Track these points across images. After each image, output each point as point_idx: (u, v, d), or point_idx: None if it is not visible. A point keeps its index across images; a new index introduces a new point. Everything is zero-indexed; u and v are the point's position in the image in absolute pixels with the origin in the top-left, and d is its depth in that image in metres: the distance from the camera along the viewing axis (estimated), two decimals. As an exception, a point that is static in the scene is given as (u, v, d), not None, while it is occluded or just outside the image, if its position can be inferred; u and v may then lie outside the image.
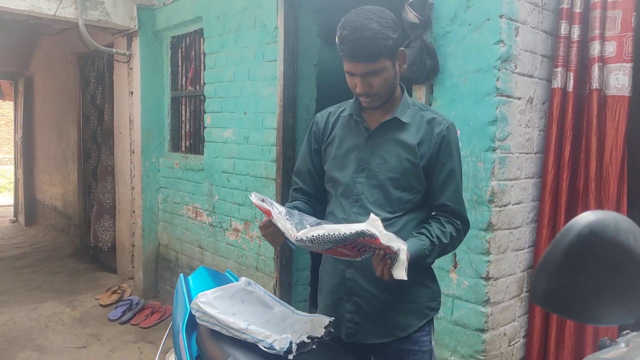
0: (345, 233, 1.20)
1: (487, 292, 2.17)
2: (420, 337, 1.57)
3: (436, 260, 2.27)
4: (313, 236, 1.23)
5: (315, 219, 1.42)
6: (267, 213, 1.36)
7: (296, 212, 1.44)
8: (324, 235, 1.22)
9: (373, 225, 1.20)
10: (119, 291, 4.44)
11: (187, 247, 4.11)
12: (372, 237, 1.20)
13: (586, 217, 0.72)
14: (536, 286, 0.75)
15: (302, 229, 1.30)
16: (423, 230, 1.48)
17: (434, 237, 1.46)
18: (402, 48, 1.48)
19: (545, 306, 0.78)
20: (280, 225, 1.32)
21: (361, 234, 1.20)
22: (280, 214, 1.35)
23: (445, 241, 1.48)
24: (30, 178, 7.94)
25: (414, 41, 2.23)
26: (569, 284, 0.74)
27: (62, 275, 5.17)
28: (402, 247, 1.24)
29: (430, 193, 1.54)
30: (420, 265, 1.45)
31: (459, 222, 1.53)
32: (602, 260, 0.72)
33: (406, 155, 1.49)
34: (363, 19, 1.39)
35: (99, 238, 5.04)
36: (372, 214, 1.23)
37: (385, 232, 1.22)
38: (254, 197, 1.40)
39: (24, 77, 7.78)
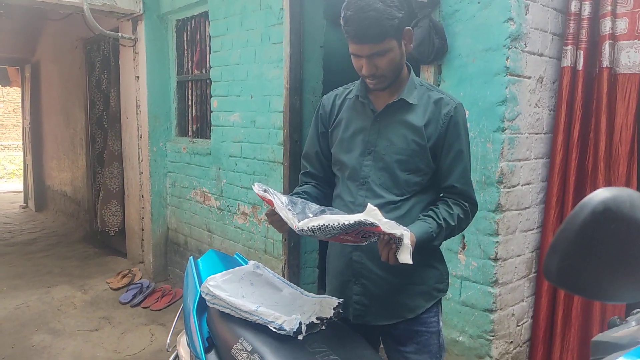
0: (344, 223, 1.21)
1: (495, 273, 2.17)
2: (428, 318, 1.57)
3: (444, 242, 2.28)
4: (314, 226, 1.24)
5: (318, 206, 1.41)
6: (270, 203, 1.36)
7: (300, 200, 1.43)
8: (324, 225, 1.22)
9: (371, 215, 1.21)
10: (129, 275, 4.49)
11: (195, 230, 4.13)
12: (373, 225, 1.21)
13: (601, 194, 0.71)
14: (550, 263, 0.75)
15: (304, 218, 1.30)
16: (430, 212, 1.48)
17: (441, 219, 1.46)
18: (408, 27, 1.45)
19: (558, 284, 0.77)
20: (282, 216, 1.33)
21: (360, 224, 1.21)
22: (282, 204, 1.35)
23: (452, 223, 1.48)
24: (39, 164, 7.99)
25: (422, 20, 2.20)
26: (583, 262, 0.73)
27: (72, 260, 5.23)
28: (404, 233, 1.24)
29: (438, 174, 1.53)
30: (427, 248, 1.45)
31: (466, 204, 1.52)
32: (617, 238, 0.72)
33: (413, 136, 1.48)
34: None
35: (106, 223, 5.08)
36: (369, 204, 1.24)
37: (385, 220, 1.23)
38: (256, 188, 1.41)
39: (30, 63, 7.78)
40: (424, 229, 1.42)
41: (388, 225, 1.22)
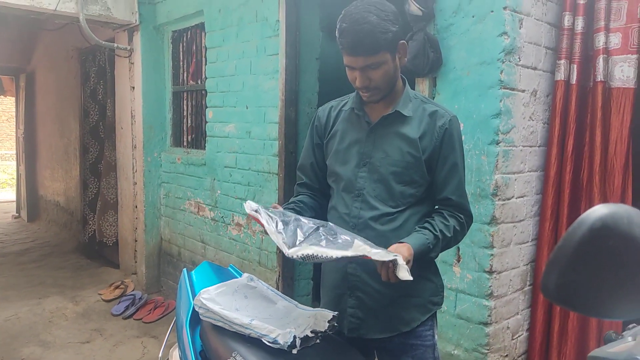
0: (332, 256, 1.24)
1: (490, 286, 2.16)
2: (423, 331, 1.57)
3: (439, 254, 2.27)
4: (303, 255, 1.26)
5: (312, 224, 1.39)
6: (261, 224, 1.36)
7: (293, 217, 1.41)
8: (312, 255, 1.25)
9: (359, 250, 1.24)
10: (121, 286, 4.45)
11: (189, 241, 4.11)
12: (364, 256, 1.24)
13: (599, 211, 0.71)
14: (548, 280, 0.74)
15: (295, 241, 1.31)
16: (426, 224, 1.48)
17: (437, 231, 1.46)
18: (402, 41, 1.46)
19: (556, 300, 0.77)
20: (273, 239, 1.33)
21: (349, 258, 1.24)
22: (273, 228, 1.35)
23: (448, 235, 1.48)
24: (33, 174, 7.94)
25: (416, 33, 2.21)
26: (581, 278, 0.73)
27: (65, 271, 5.18)
28: (397, 258, 1.26)
29: (433, 187, 1.53)
30: (423, 260, 1.44)
31: (462, 216, 1.52)
32: (615, 254, 0.71)
33: (408, 149, 1.48)
34: (362, 12, 1.37)
35: (103, 233, 5.04)
36: (355, 241, 1.28)
37: (374, 250, 1.25)
38: (247, 207, 1.41)
39: (25, 72, 7.76)
40: (420, 240, 1.41)
41: (378, 256, 1.24)
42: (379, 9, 1.38)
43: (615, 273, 0.74)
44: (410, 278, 1.25)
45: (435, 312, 1.62)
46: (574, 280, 0.73)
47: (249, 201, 1.44)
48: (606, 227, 0.71)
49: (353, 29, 1.37)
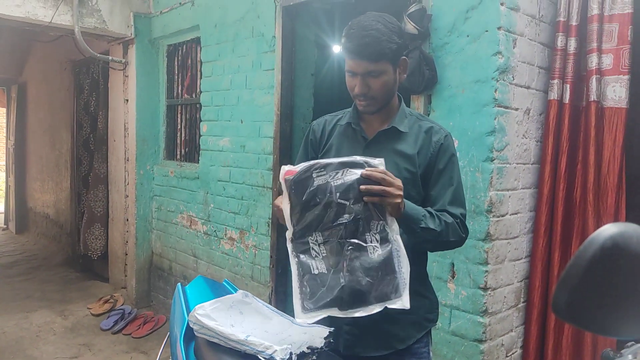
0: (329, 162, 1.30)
1: (485, 303, 2.16)
2: (418, 348, 1.56)
3: (434, 270, 2.28)
4: (301, 169, 1.31)
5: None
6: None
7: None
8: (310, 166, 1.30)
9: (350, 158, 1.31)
10: (111, 300, 4.39)
11: (181, 255, 4.07)
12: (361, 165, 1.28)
13: (609, 230, 0.72)
14: (559, 299, 0.75)
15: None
16: None
17: (432, 212, 1.43)
18: (404, 57, 1.49)
19: (567, 319, 0.77)
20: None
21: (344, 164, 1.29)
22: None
23: (445, 220, 1.43)
24: (22, 185, 7.86)
25: (412, 52, 2.24)
26: (592, 297, 0.73)
27: (53, 284, 5.11)
28: (380, 161, 1.30)
29: (429, 200, 1.51)
30: (413, 231, 1.38)
31: (457, 221, 1.48)
32: (626, 273, 0.72)
33: (405, 165, 1.48)
34: (370, 20, 1.42)
35: (88, 246, 4.98)
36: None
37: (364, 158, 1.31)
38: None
39: (17, 83, 7.72)
40: (413, 204, 1.39)
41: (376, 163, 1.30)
42: (386, 20, 1.43)
43: (625, 292, 0.74)
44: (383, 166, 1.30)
45: (430, 329, 1.61)
46: (585, 299, 0.74)
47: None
48: (617, 246, 0.72)
49: (360, 34, 1.40)
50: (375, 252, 1.29)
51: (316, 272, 1.30)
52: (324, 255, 1.31)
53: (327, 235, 1.30)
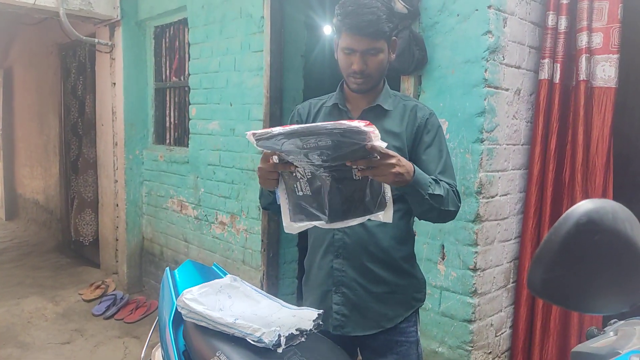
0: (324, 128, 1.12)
1: (474, 283, 2.17)
2: (406, 327, 1.58)
3: (424, 252, 2.28)
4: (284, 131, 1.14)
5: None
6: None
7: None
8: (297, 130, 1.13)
9: (336, 125, 1.12)
10: (102, 286, 4.38)
11: (172, 240, 4.06)
12: (358, 132, 1.11)
13: (584, 206, 0.71)
14: (533, 276, 0.74)
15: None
16: None
17: (437, 178, 1.42)
18: (395, 38, 1.50)
19: (542, 296, 0.77)
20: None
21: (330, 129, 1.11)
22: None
23: (446, 187, 1.41)
24: (11, 171, 7.78)
25: (402, 31, 2.21)
26: (567, 273, 0.73)
27: (44, 270, 5.08)
28: (383, 144, 1.16)
29: None
30: (421, 198, 1.34)
31: (453, 189, 1.46)
32: (600, 249, 0.72)
33: (393, 142, 1.47)
34: None
35: (79, 232, 4.95)
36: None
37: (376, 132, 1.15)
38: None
39: (3, 68, 7.59)
40: (421, 171, 1.36)
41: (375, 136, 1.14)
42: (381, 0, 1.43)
43: (600, 268, 0.74)
44: (384, 144, 1.16)
45: (418, 309, 1.63)
46: (560, 275, 0.73)
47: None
48: (592, 222, 0.71)
49: (361, 11, 1.39)
50: (359, 176, 1.25)
51: (300, 193, 1.32)
52: (308, 177, 1.29)
53: (310, 161, 1.22)
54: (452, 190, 1.45)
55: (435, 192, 1.36)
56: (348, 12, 1.41)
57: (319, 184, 1.29)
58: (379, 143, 1.16)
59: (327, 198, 1.28)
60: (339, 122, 1.12)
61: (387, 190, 1.27)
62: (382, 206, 1.27)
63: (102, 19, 4.20)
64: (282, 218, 1.35)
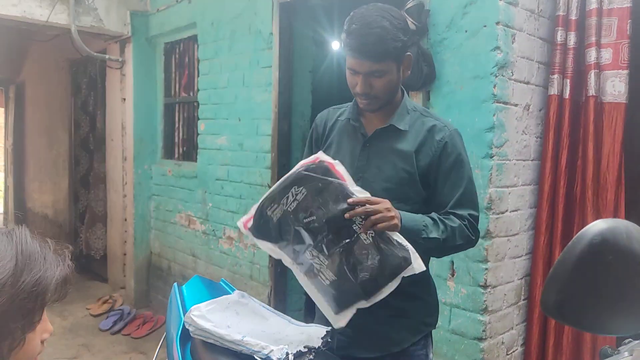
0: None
1: (485, 300, 2.14)
2: (415, 351, 1.52)
3: (434, 269, 2.26)
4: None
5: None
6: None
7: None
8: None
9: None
10: (110, 301, 4.37)
11: (179, 255, 4.05)
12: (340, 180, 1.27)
13: (598, 225, 0.70)
14: (547, 296, 0.73)
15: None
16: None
17: (435, 217, 1.38)
18: (409, 53, 1.42)
19: (556, 317, 0.75)
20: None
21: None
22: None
23: (450, 224, 1.37)
24: (21, 186, 7.84)
25: (410, 47, 2.21)
26: (581, 294, 0.72)
27: (52, 284, 5.08)
28: (366, 194, 1.27)
29: (436, 203, 1.45)
30: (415, 242, 1.30)
31: (465, 222, 1.41)
32: (614, 269, 0.70)
33: (402, 164, 1.44)
34: (375, 16, 1.33)
35: (91, 246, 4.97)
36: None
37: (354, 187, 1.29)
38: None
39: (15, 83, 7.70)
40: (412, 216, 1.33)
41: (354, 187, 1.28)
42: (392, 15, 1.34)
43: (614, 288, 0.73)
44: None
45: (430, 332, 1.57)
46: (574, 296, 0.72)
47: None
48: (605, 242, 0.70)
49: (364, 31, 1.32)
50: (367, 238, 1.27)
51: (327, 282, 1.31)
52: (326, 264, 1.31)
53: (318, 248, 1.30)
54: (463, 224, 1.39)
55: (431, 236, 1.33)
56: (352, 31, 1.34)
57: (337, 261, 1.29)
58: (357, 189, 1.26)
59: (351, 274, 1.27)
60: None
61: (400, 239, 1.25)
62: (406, 257, 1.24)
63: (113, 35, 4.26)
64: (327, 317, 1.33)
